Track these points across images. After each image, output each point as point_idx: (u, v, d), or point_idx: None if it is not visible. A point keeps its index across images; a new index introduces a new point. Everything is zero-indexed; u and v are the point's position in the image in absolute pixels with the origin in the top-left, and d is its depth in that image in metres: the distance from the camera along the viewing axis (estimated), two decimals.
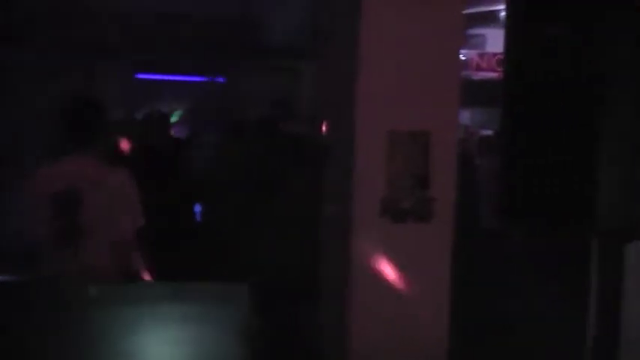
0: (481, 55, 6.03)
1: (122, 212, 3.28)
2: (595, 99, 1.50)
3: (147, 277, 3.27)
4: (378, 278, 3.67)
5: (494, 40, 9.41)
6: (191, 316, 2.20)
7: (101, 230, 3.22)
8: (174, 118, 8.04)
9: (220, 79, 9.38)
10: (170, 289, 2.38)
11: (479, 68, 5.94)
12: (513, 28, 1.62)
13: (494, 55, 8.82)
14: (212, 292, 2.31)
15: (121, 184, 3.30)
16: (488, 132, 7.90)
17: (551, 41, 1.56)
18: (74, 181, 3.23)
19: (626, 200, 1.51)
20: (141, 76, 10.37)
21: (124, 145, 5.30)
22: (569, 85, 1.55)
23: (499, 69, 7.79)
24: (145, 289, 2.56)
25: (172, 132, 6.68)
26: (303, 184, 4.67)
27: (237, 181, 5.06)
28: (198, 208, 5.64)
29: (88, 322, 2.30)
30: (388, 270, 3.69)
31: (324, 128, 4.39)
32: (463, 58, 5.44)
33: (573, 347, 2.67)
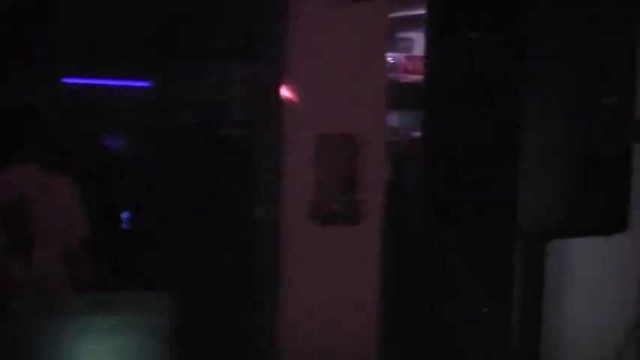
0: (409, 58, 6.06)
1: (70, 220, 3.21)
2: (515, 102, 1.51)
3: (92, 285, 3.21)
4: (309, 280, 3.67)
5: (422, 44, 9.45)
6: (115, 326, 2.15)
7: (51, 239, 3.15)
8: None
9: (150, 83, 9.25)
10: (95, 300, 2.33)
11: (407, 71, 5.97)
12: (432, 32, 1.63)
13: (422, 57, 8.84)
14: (136, 301, 2.26)
15: (66, 192, 3.23)
16: (418, 134, 7.95)
17: (471, 45, 1.57)
18: (20, 191, 3.14)
19: (546, 201, 1.52)
20: (68, 80, 10.18)
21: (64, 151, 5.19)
22: (490, 88, 1.56)
23: None
24: (69, 301, 2.50)
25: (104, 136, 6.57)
26: (237, 187, 4.64)
27: (171, 185, 5.00)
28: (125, 214, 5.56)
29: (11, 336, 2.23)
30: (318, 272, 3.68)
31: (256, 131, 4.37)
32: (391, 62, 5.45)
33: (500, 346, 2.70)
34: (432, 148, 1.66)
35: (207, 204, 4.79)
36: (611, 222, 1.66)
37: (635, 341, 1.85)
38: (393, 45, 5.80)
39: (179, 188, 4.95)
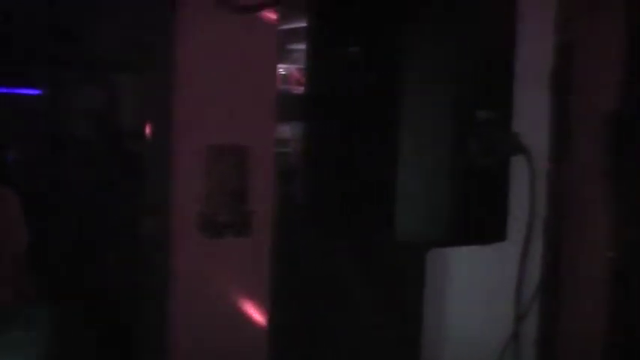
0: (300, 70, 6.10)
1: (8, 233, 3.08)
2: (393, 116, 1.51)
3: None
4: (198, 292, 3.63)
5: None
6: None
7: None
8: None
9: (38, 92, 9.00)
10: None
11: (299, 83, 5.99)
12: (312, 46, 1.62)
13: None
14: (14, 317, 2.17)
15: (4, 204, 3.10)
16: None
17: (349, 59, 1.56)
18: None
19: (424, 213, 1.52)
20: None
21: None
22: (367, 101, 1.56)
23: None
24: None
25: None
26: (127, 198, 4.54)
27: (61, 196, 4.87)
28: None
29: None
30: (207, 284, 3.64)
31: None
32: (283, 73, 5.45)
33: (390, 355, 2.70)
34: (312, 159, 1.64)
35: (95, 214, 4.68)
36: (489, 232, 1.67)
37: (512, 353, 1.87)
38: (284, 56, 5.81)
39: (69, 198, 4.81)
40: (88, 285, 4.35)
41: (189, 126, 3.57)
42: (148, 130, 4.10)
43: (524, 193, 2.06)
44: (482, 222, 1.62)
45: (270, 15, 3.66)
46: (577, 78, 4.66)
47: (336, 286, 4.03)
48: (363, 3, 1.50)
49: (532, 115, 2.06)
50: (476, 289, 1.99)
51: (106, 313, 4.29)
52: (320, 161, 1.61)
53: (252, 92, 3.60)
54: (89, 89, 6.23)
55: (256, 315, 3.68)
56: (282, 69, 5.05)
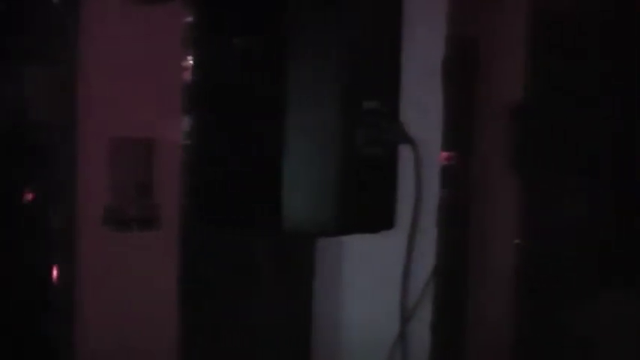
0: None
1: None
2: (277, 104, 1.50)
3: None
4: (106, 286, 3.57)
5: None
6: None
7: None
8: None
9: None
10: None
11: None
12: (197, 37, 1.59)
13: None
14: None
15: None
16: None
17: (234, 50, 1.55)
18: None
19: (311, 202, 1.52)
20: None
21: None
22: (252, 92, 1.54)
23: None
24: None
25: None
26: (33, 192, 4.42)
27: None
28: None
29: None
30: (115, 278, 3.58)
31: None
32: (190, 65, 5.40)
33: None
34: (198, 149, 1.62)
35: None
36: (377, 220, 1.68)
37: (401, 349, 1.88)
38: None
39: None
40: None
41: (95, 119, 3.50)
42: (53, 123, 4.01)
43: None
44: (369, 210, 1.62)
45: (176, 6, 3.61)
46: (480, 70, 4.74)
47: (237, 278, 4.01)
48: None
49: (428, 107, 2.07)
50: (372, 277, 1.99)
51: (7, 308, 4.18)
52: (204, 152, 1.58)
53: (159, 84, 3.55)
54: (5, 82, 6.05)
55: (166, 310, 3.64)
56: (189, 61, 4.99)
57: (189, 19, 4.71)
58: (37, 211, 4.04)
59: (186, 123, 5.00)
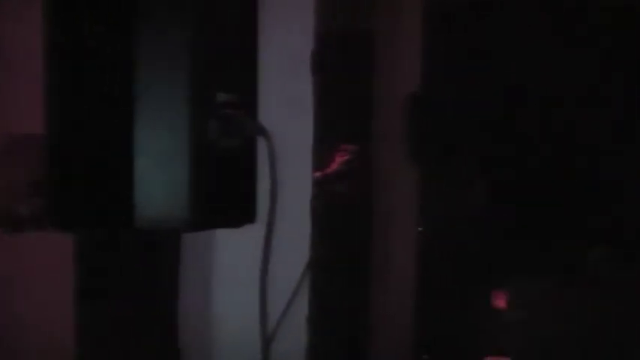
0: None
1: None
2: (128, 98, 1.45)
3: None
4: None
5: None
6: None
7: None
8: None
9: None
10: None
11: None
12: (50, 30, 1.53)
13: None
14: None
15: None
16: None
17: (85, 43, 1.49)
18: None
19: (165, 197, 1.47)
20: None
21: None
22: (105, 85, 1.49)
23: None
24: None
25: None
26: None
27: None
28: None
29: None
30: (9, 279, 3.46)
31: None
32: None
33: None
34: (53, 146, 1.56)
35: None
36: (238, 214, 1.64)
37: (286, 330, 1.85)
38: None
39: None
40: None
41: None
42: None
43: (289, 175, 2.05)
44: (228, 204, 1.58)
45: None
46: (376, 63, 4.75)
47: (128, 276, 3.93)
48: None
49: (300, 100, 2.04)
50: (245, 271, 1.95)
51: None
52: (59, 148, 1.52)
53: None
54: None
55: (62, 306, 3.53)
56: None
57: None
58: None
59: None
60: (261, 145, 1.76)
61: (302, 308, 2.09)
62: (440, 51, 4.79)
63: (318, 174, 5.33)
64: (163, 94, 1.51)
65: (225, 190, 1.59)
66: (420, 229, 5.24)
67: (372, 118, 4.74)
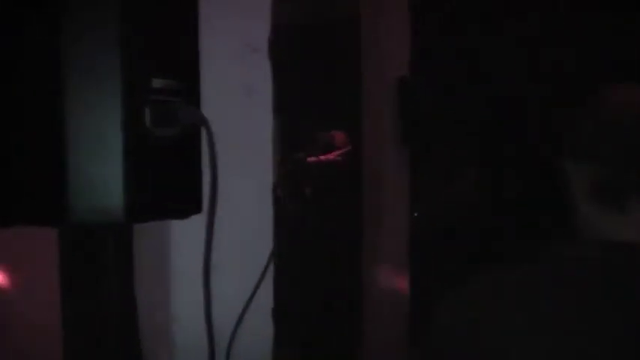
0: None
1: None
2: (55, 87, 1.36)
3: None
4: None
5: None
6: None
7: None
8: None
9: None
10: None
11: None
12: None
13: None
14: None
15: None
16: None
17: (7, 25, 1.41)
18: None
19: (98, 188, 1.38)
20: None
21: None
22: (28, 72, 1.40)
23: None
24: None
25: None
26: None
27: None
28: None
29: None
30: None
31: None
32: None
33: None
34: None
35: None
36: (181, 205, 1.55)
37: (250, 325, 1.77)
38: None
39: None
40: None
41: None
42: None
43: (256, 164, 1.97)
44: (169, 195, 1.49)
45: None
46: (364, 49, 4.65)
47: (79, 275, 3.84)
48: None
49: (256, 88, 1.94)
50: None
51: None
52: None
53: None
54: None
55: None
56: None
57: None
58: None
59: None
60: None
61: (268, 300, 2.00)
62: (428, 35, 4.69)
63: (306, 158, 5.25)
64: (94, 80, 1.42)
65: (165, 180, 1.50)
66: (415, 214, 5.15)
67: (361, 103, 4.64)
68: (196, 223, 1.83)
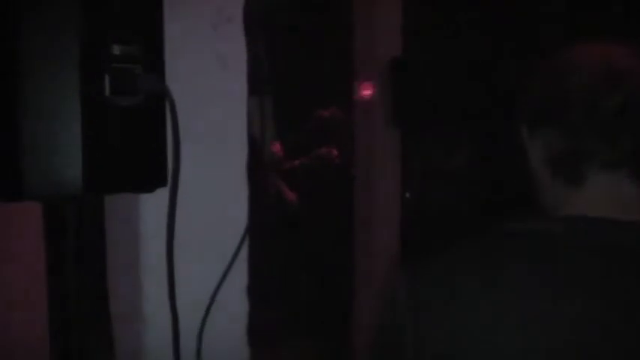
0: None
1: None
2: (11, 56, 1.27)
3: None
4: None
5: None
6: None
7: None
8: None
9: None
10: None
11: None
12: None
13: None
14: None
15: None
16: None
17: None
18: None
19: (55, 159, 1.29)
20: None
21: None
22: None
23: None
24: None
25: None
26: None
27: None
28: None
29: None
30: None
31: None
32: None
33: None
34: None
35: None
36: (144, 177, 1.46)
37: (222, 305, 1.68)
38: None
39: None
40: None
41: None
42: None
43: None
44: (131, 167, 1.40)
45: None
46: (358, 27, 4.54)
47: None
48: None
49: (229, 58, 1.84)
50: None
51: None
52: None
53: None
54: None
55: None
56: None
57: None
58: None
59: None
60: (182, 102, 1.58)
61: (242, 276, 1.91)
62: (421, 15, 4.58)
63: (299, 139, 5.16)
64: (50, 46, 1.32)
65: (127, 151, 1.40)
66: (406, 194, 5.06)
67: (352, 82, 4.54)
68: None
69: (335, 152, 4.83)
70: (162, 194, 1.61)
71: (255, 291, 1.91)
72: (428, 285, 1.15)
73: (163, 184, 1.49)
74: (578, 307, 1.03)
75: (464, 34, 4.43)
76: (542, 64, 1.21)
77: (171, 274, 1.56)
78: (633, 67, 1.12)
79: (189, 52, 1.78)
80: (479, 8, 4.43)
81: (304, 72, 5.36)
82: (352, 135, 4.61)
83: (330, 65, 5.05)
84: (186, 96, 1.78)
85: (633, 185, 1.12)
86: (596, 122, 1.10)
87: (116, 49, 1.36)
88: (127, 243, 1.78)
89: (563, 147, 1.13)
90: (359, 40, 4.49)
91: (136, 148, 1.43)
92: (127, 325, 1.81)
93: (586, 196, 1.13)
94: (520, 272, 1.08)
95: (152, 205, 1.68)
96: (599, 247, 1.08)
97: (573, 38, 1.25)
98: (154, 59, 1.44)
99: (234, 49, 1.83)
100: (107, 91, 1.35)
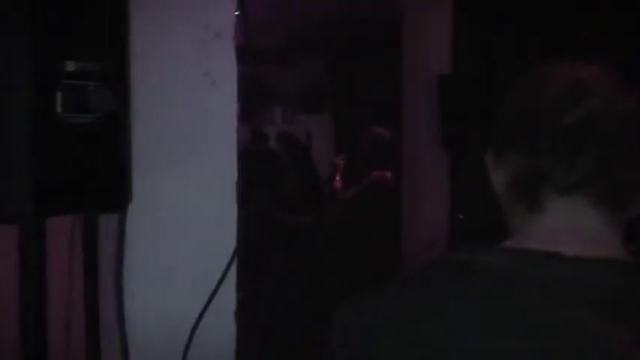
0: None
1: None
2: None
3: None
4: None
5: None
6: None
7: None
8: None
9: None
10: None
11: None
12: None
13: None
14: None
15: None
16: None
17: None
18: None
19: (5, 179, 1.24)
20: None
21: None
22: None
23: None
24: None
25: None
26: None
27: None
28: None
29: None
30: None
31: None
32: None
33: None
34: None
35: None
36: (104, 198, 1.40)
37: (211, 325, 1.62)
38: None
39: None
40: None
41: None
42: None
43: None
44: (84, 187, 1.34)
45: None
46: (407, 48, 4.43)
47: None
48: None
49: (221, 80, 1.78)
50: (162, 266, 1.72)
51: None
52: None
53: None
54: None
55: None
56: None
57: None
58: None
59: None
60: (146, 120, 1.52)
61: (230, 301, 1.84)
62: (472, 32, 4.44)
63: (341, 159, 5.06)
64: (1, 61, 1.28)
65: (81, 171, 1.35)
66: (460, 216, 4.90)
67: (402, 102, 4.43)
68: (155, 224, 1.69)
69: (388, 175, 4.71)
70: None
71: (244, 315, 1.83)
72: (370, 319, 1.05)
73: (124, 204, 1.43)
74: (510, 344, 0.93)
75: (515, 50, 4.27)
76: (510, 86, 1.12)
77: (120, 297, 1.49)
78: (598, 83, 1.03)
79: (177, 69, 1.72)
80: (532, 25, 4.27)
81: (356, 91, 5.27)
82: (400, 155, 4.50)
83: (379, 83, 4.95)
84: (171, 115, 1.73)
85: (598, 215, 1.01)
86: (554, 141, 1.00)
87: (70, 65, 1.31)
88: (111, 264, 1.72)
89: (523, 169, 1.03)
90: (408, 57, 4.38)
91: (92, 168, 1.37)
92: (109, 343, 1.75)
93: (546, 226, 1.03)
94: (456, 306, 0.98)
95: (137, 228, 1.62)
96: (540, 282, 0.97)
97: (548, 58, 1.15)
98: (115, 75, 1.38)
99: (222, 65, 1.77)
100: (59, 108, 1.30)
